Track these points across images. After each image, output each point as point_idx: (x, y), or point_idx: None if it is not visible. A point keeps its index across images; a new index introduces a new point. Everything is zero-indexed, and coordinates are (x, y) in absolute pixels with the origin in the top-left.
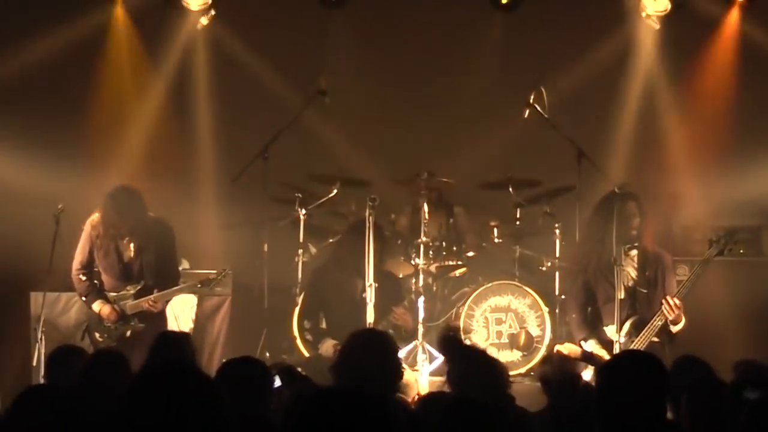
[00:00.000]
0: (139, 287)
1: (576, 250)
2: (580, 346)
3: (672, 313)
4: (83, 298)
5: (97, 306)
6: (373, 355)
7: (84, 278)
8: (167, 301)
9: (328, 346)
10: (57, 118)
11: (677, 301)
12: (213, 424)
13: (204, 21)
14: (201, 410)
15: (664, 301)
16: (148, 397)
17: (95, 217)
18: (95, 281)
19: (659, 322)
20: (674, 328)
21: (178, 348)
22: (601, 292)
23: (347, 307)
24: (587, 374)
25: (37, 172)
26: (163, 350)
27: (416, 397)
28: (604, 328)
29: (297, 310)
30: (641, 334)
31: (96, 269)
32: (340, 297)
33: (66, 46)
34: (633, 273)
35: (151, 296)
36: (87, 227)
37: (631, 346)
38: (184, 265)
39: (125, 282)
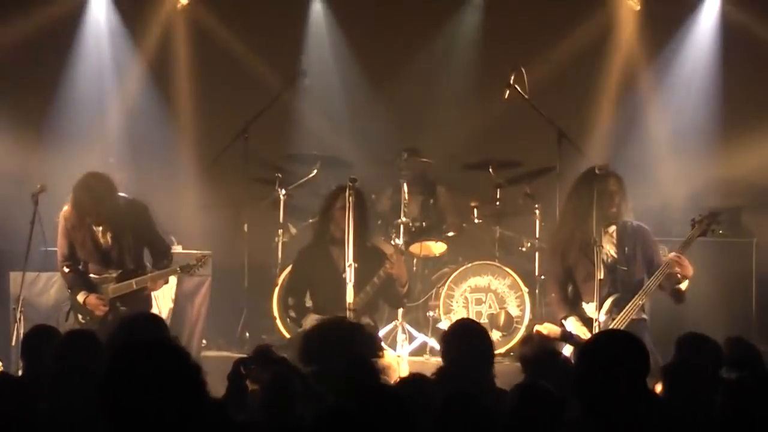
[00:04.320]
0: (120, 272)
1: (555, 229)
2: (562, 325)
3: (679, 266)
4: (69, 291)
5: (81, 297)
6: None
7: (68, 270)
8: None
9: (311, 321)
10: (36, 96)
11: (682, 257)
12: (192, 400)
13: (184, 0)
14: (180, 386)
15: (670, 258)
16: (126, 374)
17: (66, 209)
18: (80, 269)
19: (641, 301)
20: (682, 286)
21: (144, 329)
22: (581, 270)
23: (332, 285)
24: (566, 351)
25: (15, 151)
26: (127, 331)
27: (398, 379)
28: (585, 305)
29: (277, 290)
30: (622, 313)
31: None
32: (325, 274)
33: (45, 23)
34: (612, 250)
35: (132, 281)
36: (60, 221)
37: (612, 325)
38: (175, 248)
39: (106, 268)
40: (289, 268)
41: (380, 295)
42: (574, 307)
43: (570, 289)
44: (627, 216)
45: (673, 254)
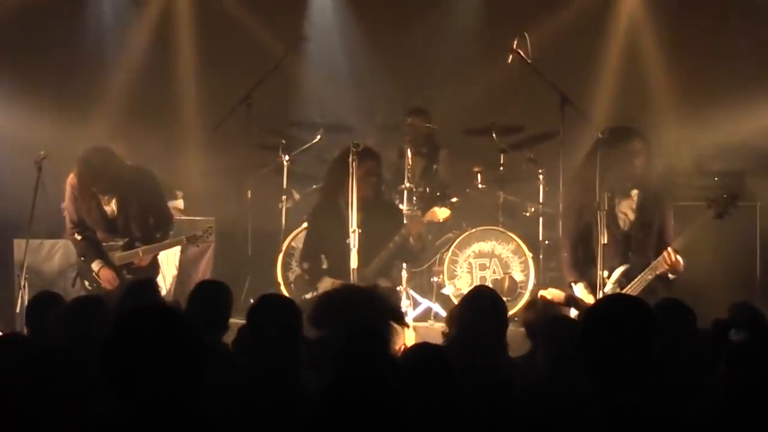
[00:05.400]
0: (127, 240)
1: (571, 188)
2: (570, 288)
3: (668, 266)
4: (82, 259)
5: (96, 266)
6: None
7: (79, 237)
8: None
9: (326, 285)
10: (39, 63)
11: (673, 255)
12: (194, 367)
13: None
14: (179, 350)
15: (665, 253)
16: (127, 339)
17: (73, 176)
18: (89, 236)
19: (650, 277)
20: (671, 275)
21: (145, 294)
22: (596, 232)
23: (347, 248)
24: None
25: (18, 118)
26: (131, 296)
27: (402, 347)
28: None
29: (281, 256)
30: (630, 285)
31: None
32: (340, 238)
33: None
34: (631, 215)
35: (139, 250)
36: (68, 187)
37: None
38: (177, 204)
39: (112, 236)
40: (293, 234)
41: (396, 255)
42: (584, 272)
43: (581, 252)
44: (652, 179)
45: (666, 255)
